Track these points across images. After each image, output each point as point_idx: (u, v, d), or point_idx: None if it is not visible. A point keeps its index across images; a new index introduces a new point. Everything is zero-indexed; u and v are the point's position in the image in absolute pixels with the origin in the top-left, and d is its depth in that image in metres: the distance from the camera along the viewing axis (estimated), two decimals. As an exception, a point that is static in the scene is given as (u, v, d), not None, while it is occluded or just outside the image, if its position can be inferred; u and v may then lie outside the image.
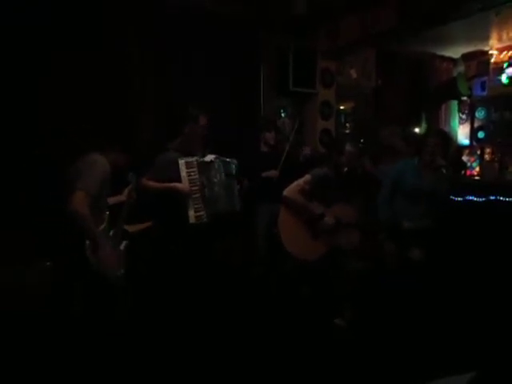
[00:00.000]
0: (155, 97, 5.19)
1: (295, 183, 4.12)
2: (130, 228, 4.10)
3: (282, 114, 6.66)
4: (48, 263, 3.66)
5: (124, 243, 3.54)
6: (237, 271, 4.97)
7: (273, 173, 4.80)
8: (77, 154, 3.27)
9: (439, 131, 5.07)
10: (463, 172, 7.58)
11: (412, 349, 3.43)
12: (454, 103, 8.45)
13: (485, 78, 7.87)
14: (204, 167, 3.80)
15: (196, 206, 3.73)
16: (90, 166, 3.16)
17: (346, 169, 4.19)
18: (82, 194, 3.01)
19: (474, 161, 8.00)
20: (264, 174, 4.79)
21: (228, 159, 3.98)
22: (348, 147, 4.15)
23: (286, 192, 4.11)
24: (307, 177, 4.12)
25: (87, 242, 3.09)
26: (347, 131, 7.93)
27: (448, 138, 4.17)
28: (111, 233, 3.38)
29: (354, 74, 7.41)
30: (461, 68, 8.19)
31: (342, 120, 8.01)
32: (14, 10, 4.26)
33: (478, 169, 7.89)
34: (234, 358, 3.51)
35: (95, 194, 3.08)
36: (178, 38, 5.35)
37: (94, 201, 3.09)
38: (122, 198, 3.61)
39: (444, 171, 3.87)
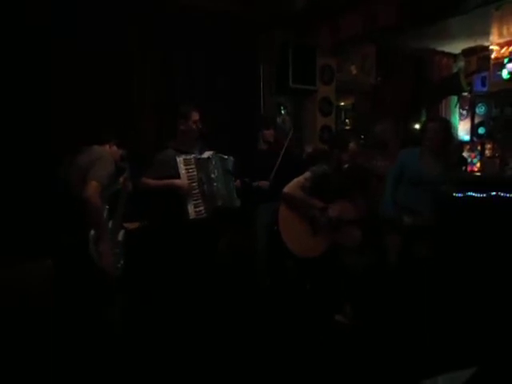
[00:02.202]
0: (154, 95, 5.21)
1: (295, 180, 4.12)
2: (131, 225, 4.14)
3: (282, 111, 6.65)
4: (49, 261, 3.68)
5: (122, 232, 3.63)
6: (237, 268, 4.97)
7: (263, 183, 4.75)
8: (78, 148, 3.33)
9: (439, 117, 5.00)
10: (464, 168, 7.56)
11: (414, 345, 3.42)
12: (454, 99, 8.43)
13: (485, 74, 7.81)
14: (202, 164, 3.84)
15: (195, 202, 3.77)
16: (100, 158, 3.31)
17: (346, 165, 4.18)
18: (96, 184, 3.17)
19: (475, 157, 7.98)
20: (255, 184, 4.73)
21: (225, 156, 4.01)
22: (352, 145, 4.14)
23: (286, 189, 4.11)
24: (307, 174, 4.12)
25: (92, 233, 3.20)
26: (347, 127, 7.92)
27: (449, 125, 4.12)
28: (110, 224, 3.46)
29: (353, 70, 7.40)
30: (461, 63, 8.15)
31: (342, 116, 8.01)
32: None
33: (478, 165, 7.86)
34: (235, 356, 3.53)
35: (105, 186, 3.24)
36: (176, 35, 5.37)
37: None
38: (118, 186, 3.68)
39: (442, 163, 3.84)
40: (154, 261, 3.94)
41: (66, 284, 3.27)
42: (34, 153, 4.28)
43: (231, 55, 5.78)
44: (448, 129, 4.00)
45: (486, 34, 7.16)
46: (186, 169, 3.76)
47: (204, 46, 5.56)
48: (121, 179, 3.67)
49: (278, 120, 6.34)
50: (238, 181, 4.21)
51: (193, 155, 3.82)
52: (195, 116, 3.90)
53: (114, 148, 3.59)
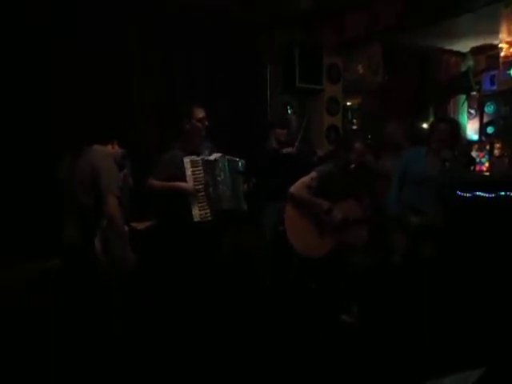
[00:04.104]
0: (154, 95, 5.20)
1: (301, 180, 4.11)
2: (139, 225, 4.12)
3: (289, 111, 6.60)
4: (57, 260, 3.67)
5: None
6: (243, 268, 4.94)
7: (290, 149, 4.88)
8: (78, 148, 3.31)
9: (448, 118, 5.05)
10: (472, 168, 7.48)
11: (420, 346, 3.36)
12: (462, 98, 8.35)
13: (494, 72, 7.76)
14: (209, 166, 3.79)
15: (200, 205, 3.74)
16: (106, 162, 3.24)
17: (353, 165, 4.14)
18: (114, 198, 3.15)
19: (484, 156, 7.90)
20: (284, 150, 4.87)
21: (236, 158, 3.96)
22: (357, 144, 4.11)
23: (292, 189, 4.08)
24: (313, 173, 4.10)
25: (98, 234, 3.18)
26: (354, 127, 7.87)
27: (458, 126, 4.12)
28: None
29: (360, 69, 7.33)
30: (470, 62, 8.09)
31: (349, 116, 7.95)
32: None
33: (487, 164, 7.80)
34: (240, 356, 3.53)
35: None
36: (176, 35, 5.36)
37: None
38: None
39: (447, 164, 3.79)
40: (158, 261, 3.92)
41: (67, 284, 3.26)
42: (34, 153, 4.26)
43: (232, 55, 5.75)
44: (456, 130, 4.00)
45: (495, 32, 7.07)
46: (193, 171, 3.72)
47: (204, 46, 5.54)
48: (121, 175, 3.62)
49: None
50: (245, 185, 4.14)
51: (200, 157, 3.77)
52: (200, 113, 3.83)
53: (116, 147, 3.53)
